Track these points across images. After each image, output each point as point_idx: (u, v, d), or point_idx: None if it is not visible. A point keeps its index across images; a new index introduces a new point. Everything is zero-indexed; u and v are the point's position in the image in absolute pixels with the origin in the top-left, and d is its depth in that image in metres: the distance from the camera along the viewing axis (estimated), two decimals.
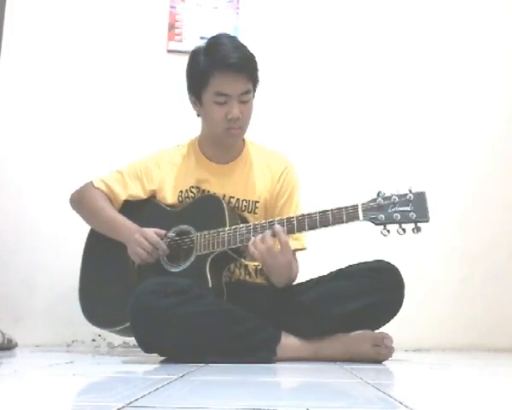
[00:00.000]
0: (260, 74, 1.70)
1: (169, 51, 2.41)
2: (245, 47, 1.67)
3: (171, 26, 2.43)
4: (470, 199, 2.44)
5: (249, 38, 2.33)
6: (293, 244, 1.71)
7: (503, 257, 2.41)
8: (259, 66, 1.69)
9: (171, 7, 2.44)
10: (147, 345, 1.47)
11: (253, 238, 1.52)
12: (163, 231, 1.66)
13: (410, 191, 1.44)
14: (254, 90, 1.71)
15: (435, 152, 2.45)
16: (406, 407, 0.79)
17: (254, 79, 1.68)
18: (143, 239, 1.63)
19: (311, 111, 2.43)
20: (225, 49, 1.62)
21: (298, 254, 1.75)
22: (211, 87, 1.62)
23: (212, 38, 1.68)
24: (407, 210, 1.43)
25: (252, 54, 1.67)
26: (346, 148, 2.42)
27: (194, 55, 1.68)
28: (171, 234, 1.67)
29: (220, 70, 1.60)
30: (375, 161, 2.40)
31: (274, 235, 1.51)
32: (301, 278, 1.71)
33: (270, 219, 1.57)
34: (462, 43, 2.53)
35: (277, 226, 1.51)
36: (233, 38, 1.69)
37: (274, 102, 2.35)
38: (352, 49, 2.49)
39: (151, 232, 1.65)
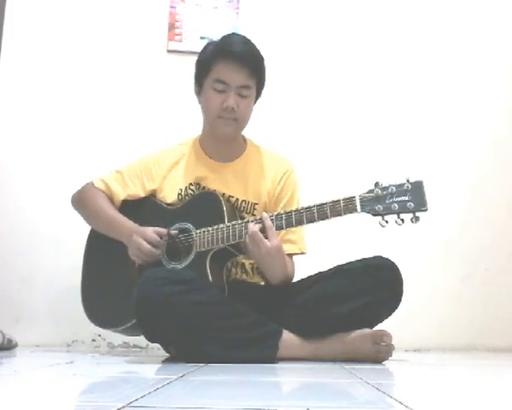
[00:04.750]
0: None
1: (169, 51, 2.41)
2: (255, 47, 1.69)
3: (171, 26, 2.42)
4: (470, 199, 2.44)
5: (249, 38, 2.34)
6: (290, 248, 1.71)
7: (503, 257, 2.41)
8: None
9: (171, 7, 2.43)
10: (150, 333, 1.47)
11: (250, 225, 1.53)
12: (164, 230, 1.65)
13: (408, 181, 1.44)
14: (258, 92, 1.72)
15: (436, 151, 2.45)
16: (406, 407, 0.79)
17: (258, 78, 1.69)
18: (142, 240, 1.63)
19: (310, 108, 2.42)
20: (234, 41, 1.67)
21: (298, 258, 1.75)
22: (212, 73, 1.66)
23: (227, 34, 1.73)
24: (405, 200, 1.42)
25: (261, 54, 1.69)
26: (347, 146, 2.42)
27: (205, 46, 1.73)
28: (173, 231, 1.66)
29: (223, 57, 1.64)
30: (375, 161, 2.39)
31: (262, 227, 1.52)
32: (301, 273, 1.71)
33: (269, 213, 1.56)
34: (462, 39, 2.53)
35: (264, 214, 1.54)
36: (246, 38, 1.71)
37: (274, 100, 2.35)
38: (353, 45, 2.48)
39: (150, 232, 1.64)
